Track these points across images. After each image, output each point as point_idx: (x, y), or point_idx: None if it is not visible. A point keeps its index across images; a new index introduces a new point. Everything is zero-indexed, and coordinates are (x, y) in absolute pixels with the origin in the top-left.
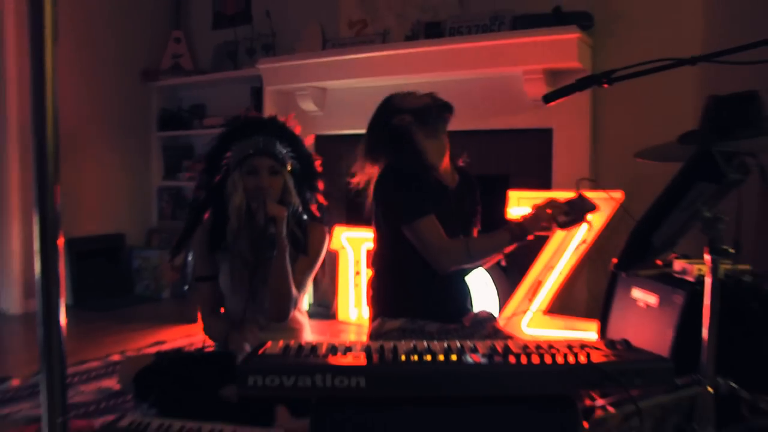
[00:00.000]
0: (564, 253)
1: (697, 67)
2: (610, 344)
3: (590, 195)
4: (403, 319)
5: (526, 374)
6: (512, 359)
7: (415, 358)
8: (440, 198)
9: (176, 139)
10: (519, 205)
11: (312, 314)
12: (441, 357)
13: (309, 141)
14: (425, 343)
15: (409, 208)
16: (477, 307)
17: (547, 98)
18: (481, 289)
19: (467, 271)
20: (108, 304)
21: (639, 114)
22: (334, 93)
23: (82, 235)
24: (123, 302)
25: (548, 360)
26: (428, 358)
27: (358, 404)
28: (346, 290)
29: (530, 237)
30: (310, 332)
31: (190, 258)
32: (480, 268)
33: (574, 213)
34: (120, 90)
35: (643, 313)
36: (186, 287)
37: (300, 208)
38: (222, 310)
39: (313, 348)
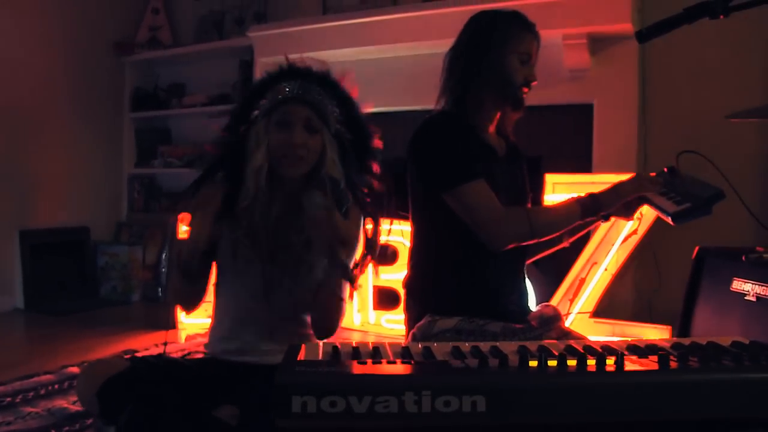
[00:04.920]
0: (611, 246)
1: None
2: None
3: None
4: (458, 317)
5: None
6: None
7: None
8: (491, 162)
9: (151, 120)
10: (555, 191)
11: None
12: (571, 362)
13: (368, 108)
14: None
15: (454, 169)
16: (534, 302)
17: (642, 35)
18: None
19: (525, 257)
20: (67, 308)
21: (699, 85)
22: (336, 66)
23: (39, 227)
24: (85, 305)
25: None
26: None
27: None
28: None
29: (603, 215)
30: None
31: (164, 256)
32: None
33: (686, 199)
34: (89, 64)
35: (756, 308)
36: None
37: (343, 183)
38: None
39: (376, 350)
